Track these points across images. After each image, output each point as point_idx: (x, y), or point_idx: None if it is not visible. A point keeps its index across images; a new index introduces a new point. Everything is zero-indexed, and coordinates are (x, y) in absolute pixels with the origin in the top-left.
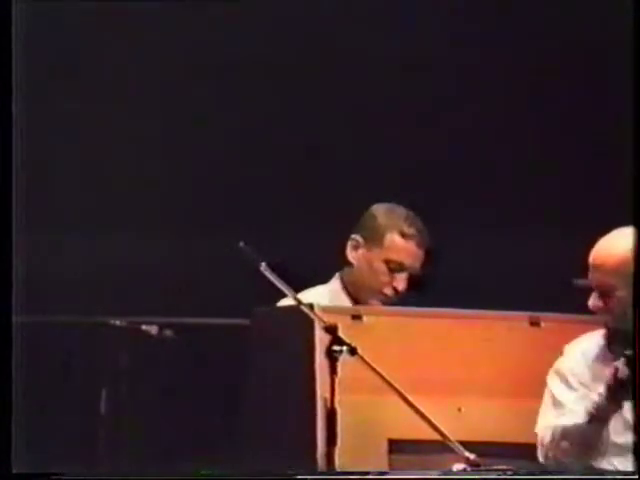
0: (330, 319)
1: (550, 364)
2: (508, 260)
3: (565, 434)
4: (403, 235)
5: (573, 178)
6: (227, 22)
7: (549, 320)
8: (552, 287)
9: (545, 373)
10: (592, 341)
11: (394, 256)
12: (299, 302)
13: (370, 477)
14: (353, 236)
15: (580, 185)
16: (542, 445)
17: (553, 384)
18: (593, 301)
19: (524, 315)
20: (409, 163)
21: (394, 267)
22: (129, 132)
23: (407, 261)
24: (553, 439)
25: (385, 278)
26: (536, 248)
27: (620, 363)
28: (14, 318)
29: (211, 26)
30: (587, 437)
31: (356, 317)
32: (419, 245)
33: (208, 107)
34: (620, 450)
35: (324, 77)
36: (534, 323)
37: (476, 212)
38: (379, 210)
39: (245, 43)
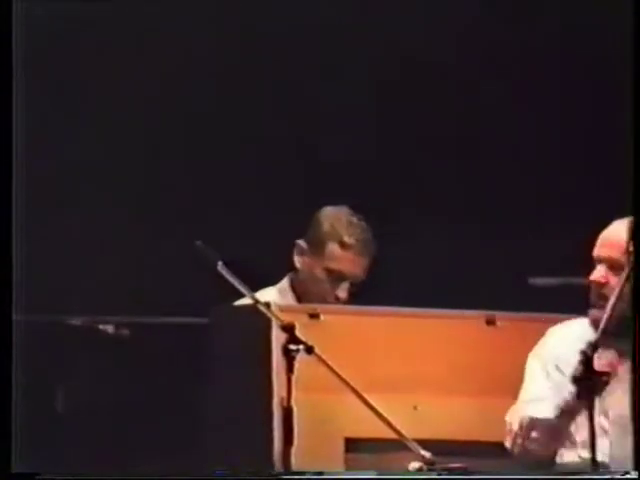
0: (287, 318)
1: (505, 362)
2: (464, 259)
3: (533, 425)
4: (343, 245)
5: (530, 176)
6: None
7: (505, 319)
8: (508, 286)
9: (500, 371)
10: (578, 326)
11: (334, 265)
12: (256, 301)
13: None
14: (298, 242)
15: (535, 184)
16: (510, 432)
17: (531, 368)
18: (598, 273)
19: (480, 314)
20: (361, 163)
21: (335, 276)
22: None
23: (347, 271)
24: (522, 428)
25: (327, 286)
26: (492, 248)
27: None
28: None
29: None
30: (554, 431)
31: (313, 316)
32: (360, 254)
33: (161, 106)
34: (576, 446)
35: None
36: (490, 322)
37: (433, 213)
38: (324, 216)
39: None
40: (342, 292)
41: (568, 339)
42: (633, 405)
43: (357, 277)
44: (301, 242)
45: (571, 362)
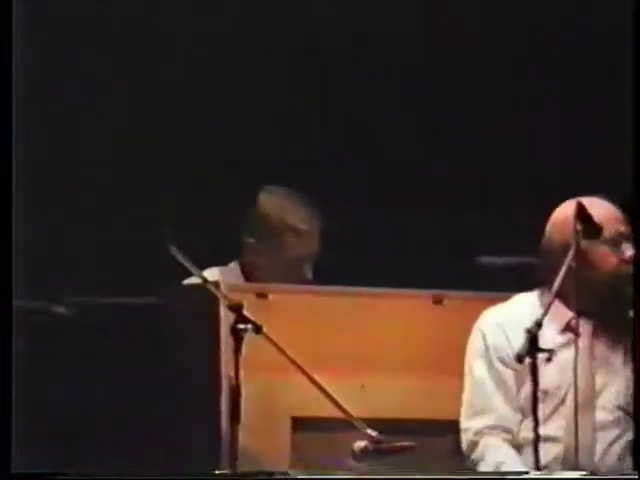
0: (236, 298)
1: (452, 341)
2: (413, 239)
3: (486, 452)
4: (297, 233)
5: (478, 156)
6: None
7: (452, 298)
8: (456, 265)
9: (448, 350)
10: (516, 312)
11: (294, 253)
12: (205, 280)
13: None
14: (248, 240)
15: (482, 164)
16: (466, 444)
17: (477, 369)
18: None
19: (428, 293)
20: (309, 143)
21: (297, 263)
22: None
23: (307, 254)
24: (472, 450)
25: (291, 274)
26: (440, 227)
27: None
28: None
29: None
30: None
31: (261, 295)
32: (314, 234)
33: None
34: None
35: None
36: (438, 301)
37: (383, 193)
38: (269, 209)
39: None
40: (308, 273)
41: (509, 326)
42: (634, 405)
43: (315, 254)
44: (251, 240)
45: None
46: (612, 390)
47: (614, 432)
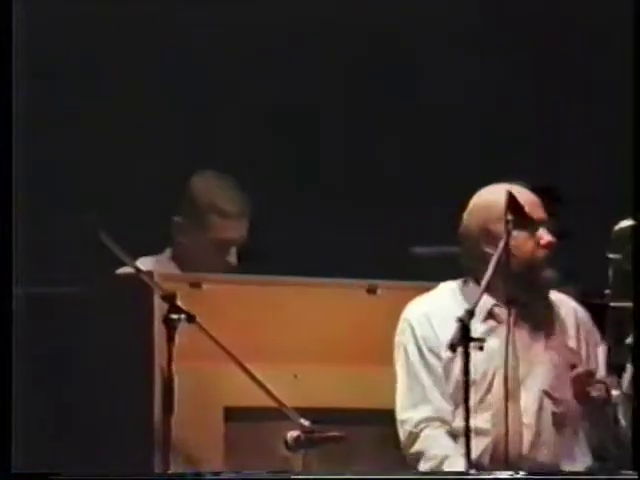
0: (169, 287)
1: (386, 330)
2: (346, 228)
3: (428, 445)
4: (223, 215)
5: (413, 146)
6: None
7: (386, 287)
8: (390, 255)
9: (381, 339)
10: (440, 302)
11: (219, 235)
12: (138, 270)
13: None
14: (175, 219)
15: (418, 153)
16: (405, 437)
17: (409, 361)
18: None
19: (361, 283)
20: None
21: (222, 246)
22: None
23: (232, 237)
24: (412, 443)
25: (215, 257)
26: (374, 217)
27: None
28: None
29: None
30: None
31: (195, 285)
32: (240, 218)
33: None
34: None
35: None
36: (371, 291)
37: (318, 181)
38: (197, 190)
39: None
40: (232, 258)
41: (435, 316)
42: (634, 404)
43: (242, 239)
44: (178, 219)
45: (443, 342)
46: (537, 376)
47: (541, 419)
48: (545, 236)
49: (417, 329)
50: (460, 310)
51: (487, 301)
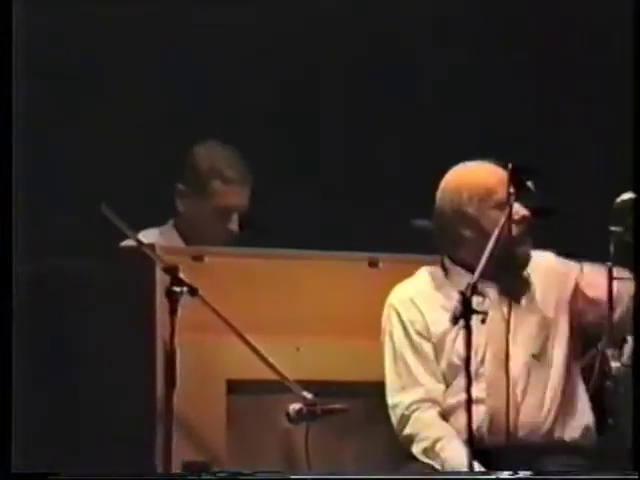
0: (171, 260)
1: None
2: (348, 201)
3: (421, 428)
4: (225, 180)
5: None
6: None
7: (387, 261)
8: (391, 228)
9: (382, 313)
10: (422, 285)
11: (220, 202)
12: (140, 243)
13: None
14: (178, 186)
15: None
16: (397, 420)
17: (397, 345)
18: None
19: (363, 256)
20: (245, 101)
21: (223, 212)
22: None
23: (234, 204)
24: (404, 426)
25: (217, 224)
26: (375, 189)
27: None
28: None
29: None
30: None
31: (197, 258)
32: (242, 184)
33: None
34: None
35: None
36: (373, 264)
37: (320, 156)
38: (199, 156)
39: None
40: (234, 225)
41: (420, 299)
42: (635, 403)
43: (244, 207)
44: (181, 186)
45: (432, 324)
46: (524, 344)
47: (533, 384)
48: (520, 211)
49: (403, 314)
50: (444, 291)
51: (471, 279)
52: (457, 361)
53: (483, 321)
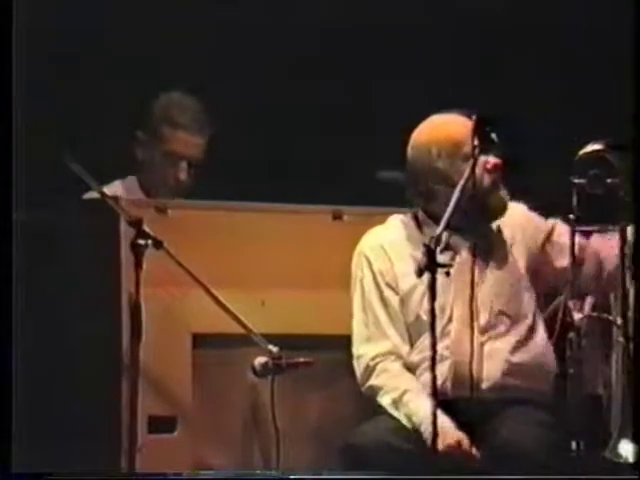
0: (135, 213)
1: (352, 257)
2: (311, 154)
3: (386, 380)
4: (174, 125)
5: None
6: None
7: (352, 213)
8: (356, 180)
9: (348, 265)
10: (394, 234)
11: (168, 147)
12: (104, 195)
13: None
14: (137, 133)
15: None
16: (361, 371)
17: (366, 295)
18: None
19: (327, 208)
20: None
21: (171, 158)
22: None
23: (182, 151)
24: (369, 376)
25: (166, 170)
26: (339, 141)
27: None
28: None
29: None
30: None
31: (160, 210)
32: (194, 133)
33: None
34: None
35: None
36: (337, 216)
37: (288, 110)
38: (156, 102)
39: None
40: (181, 173)
41: (391, 249)
42: (634, 400)
43: (194, 157)
44: (138, 132)
45: (400, 273)
46: (493, 298)
47: (500, 337)
48: (490, 159)
49: (374, 263)
50: (414, 242)
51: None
52: (424, 316)
53: (447, 274)
